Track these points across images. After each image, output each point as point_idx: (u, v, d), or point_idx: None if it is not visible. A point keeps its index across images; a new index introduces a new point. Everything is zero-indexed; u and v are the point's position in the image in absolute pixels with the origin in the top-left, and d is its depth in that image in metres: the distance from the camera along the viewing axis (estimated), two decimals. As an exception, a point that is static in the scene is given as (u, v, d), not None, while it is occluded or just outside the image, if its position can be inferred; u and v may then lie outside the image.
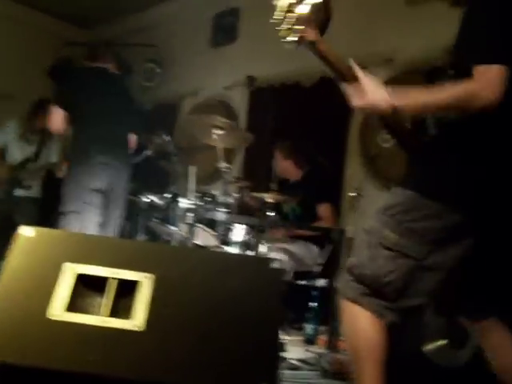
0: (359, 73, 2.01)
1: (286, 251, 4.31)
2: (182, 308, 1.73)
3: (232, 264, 1.89)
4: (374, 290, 1.94)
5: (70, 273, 1.75)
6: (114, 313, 1.69)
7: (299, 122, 5.10)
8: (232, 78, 6.06)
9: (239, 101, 6.01)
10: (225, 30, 6.61)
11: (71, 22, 7.80)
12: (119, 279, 1.75)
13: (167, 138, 4.61)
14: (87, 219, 4.05)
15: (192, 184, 4.09)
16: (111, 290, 1.72)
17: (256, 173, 4.33)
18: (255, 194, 4.25)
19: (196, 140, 4.42)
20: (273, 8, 1.95)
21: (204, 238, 4.28)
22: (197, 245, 4.08)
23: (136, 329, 1.66)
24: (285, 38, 1.97)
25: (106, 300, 1.71)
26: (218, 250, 4.13)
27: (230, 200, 4.20)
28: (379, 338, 1.96)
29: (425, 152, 2.04)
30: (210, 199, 4.13)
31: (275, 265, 1.86)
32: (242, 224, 4.15)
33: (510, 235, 1.99)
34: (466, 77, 1.78)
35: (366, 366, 1.95)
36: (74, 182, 4.11)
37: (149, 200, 4.57)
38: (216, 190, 4.35)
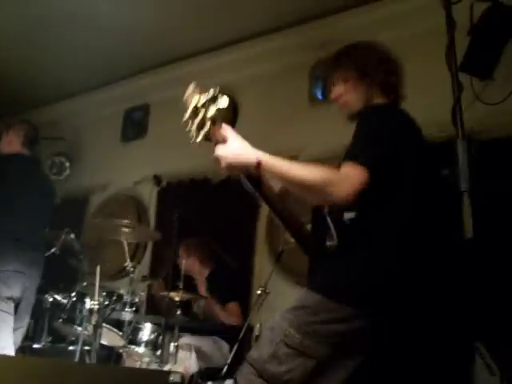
0: (227, 131, 2.04)
1: (194, 349, 4.24)
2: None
3: (130, 379, 1.85)
4: None
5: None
6: None
7: (207, 218, 5.13)
8: (141, 173, 6.08)
9: (148, 196, 5.99)
10: (135, 125, 6.68)
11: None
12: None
13: (73, 236, 4.48)
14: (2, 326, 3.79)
15: (98, 283, 4.00)
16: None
17: (163, 270, 4.31)
18: (163, 293, 4.21)
19: (103, 237, 4.37)
20: (181, 105, 2.01)
21: (111, 338, 4.18)
22: (103, 345, 3.98)
23: None
24: (193, 138, 2.02)
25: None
26: (125, 349, 4.05)
27: (137, 299, 4.15)
28: None
29: (329, 256, 2.09)
30: (116, 298, 4.07)
31: (175, 378, 1.84)
32: (150, 323, 4.09)
33: (424, 336, 2.05)
34: None
35: None
36: None
37: (54, 299, 4.44)
38: (123, 288, 4.29)
